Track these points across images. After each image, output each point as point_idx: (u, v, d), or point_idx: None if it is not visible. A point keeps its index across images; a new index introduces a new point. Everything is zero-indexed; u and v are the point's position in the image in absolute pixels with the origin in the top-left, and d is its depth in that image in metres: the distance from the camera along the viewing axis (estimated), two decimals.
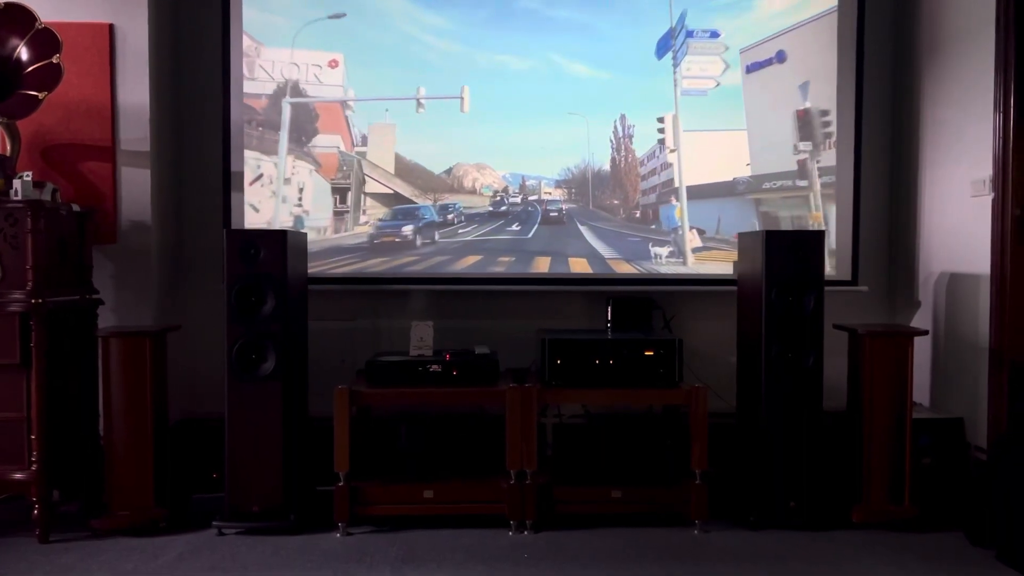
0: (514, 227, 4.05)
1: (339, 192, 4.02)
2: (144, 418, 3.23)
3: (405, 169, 4.00)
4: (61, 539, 3.17)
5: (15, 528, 3.25)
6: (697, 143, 4.06)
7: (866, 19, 3.99)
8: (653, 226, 4.07)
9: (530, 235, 4.05)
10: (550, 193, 4.08)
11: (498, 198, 4.05)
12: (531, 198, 4.07)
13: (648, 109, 4.03)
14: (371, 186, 4.02)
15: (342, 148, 4.02)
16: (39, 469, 3.09)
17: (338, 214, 4.02)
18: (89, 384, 3.46)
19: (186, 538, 3.19)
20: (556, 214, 4.07)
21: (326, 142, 4.01)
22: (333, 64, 3.97)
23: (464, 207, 4.05)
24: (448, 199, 4.05)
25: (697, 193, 4.09)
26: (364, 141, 4.00)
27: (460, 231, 4.06)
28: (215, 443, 3.35)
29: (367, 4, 3.95)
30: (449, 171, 4.02)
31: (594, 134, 4.04)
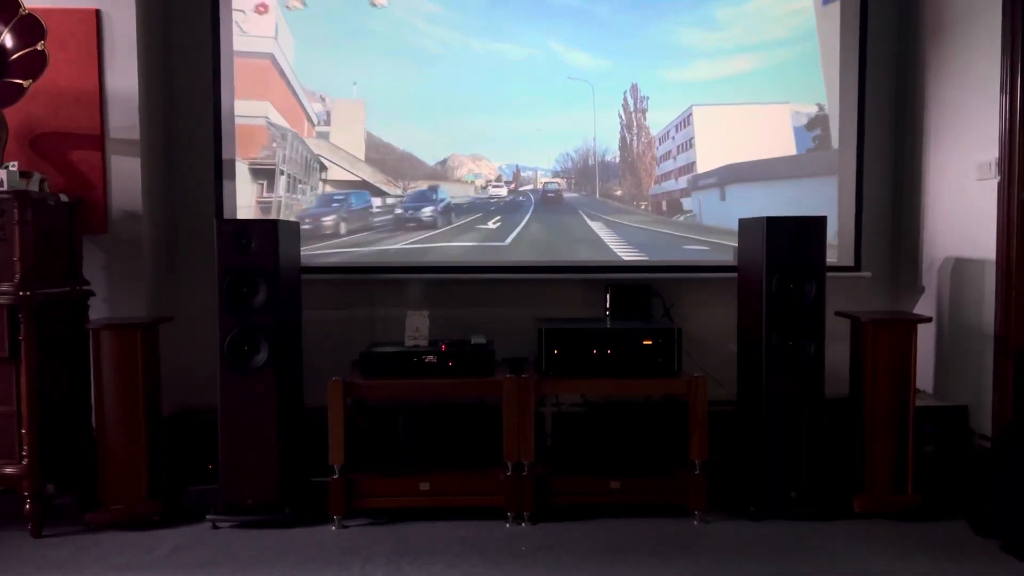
0: (491, 224, 3.75)
1: (267, 176, 3.63)
2: (137, 411, 3.20)
3: (397, 158, 3.86)
4: (55, 533, 3.14)
5: (8, 522, 3.23)
6: (731, 118, 3.75)
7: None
8: (682, 218, 3.80)
9: (508, 240, 3.74)
10: (545, 183, 3.93)
11: (425, 187, 3.65)
12: (526, 188, 3.88)
13: (652, 96, 3.89)
14: (334, 172, 3.70)
15: (273, 120, 3.62)
16: (30, 463, 3.06)
17: (264, 204, 3.64)
18: (82, 376, 3.42)
19: (180, 532, 3.16)
20: (553, 194, 3.85)
21: (244, 110, 3.59)
22: (261, 9, 3.50)
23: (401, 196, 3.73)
24: (418, 187, 3.76)
25: (761, 172, 3.74)
26: (327, 119, 3.73)
27: (410, 225, 3.74)
28: (210, 434, 3.32)
29: None
30: (444, 161, 3.93)
31: (598, 116, 3.88)
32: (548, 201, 3.91)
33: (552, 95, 3.90)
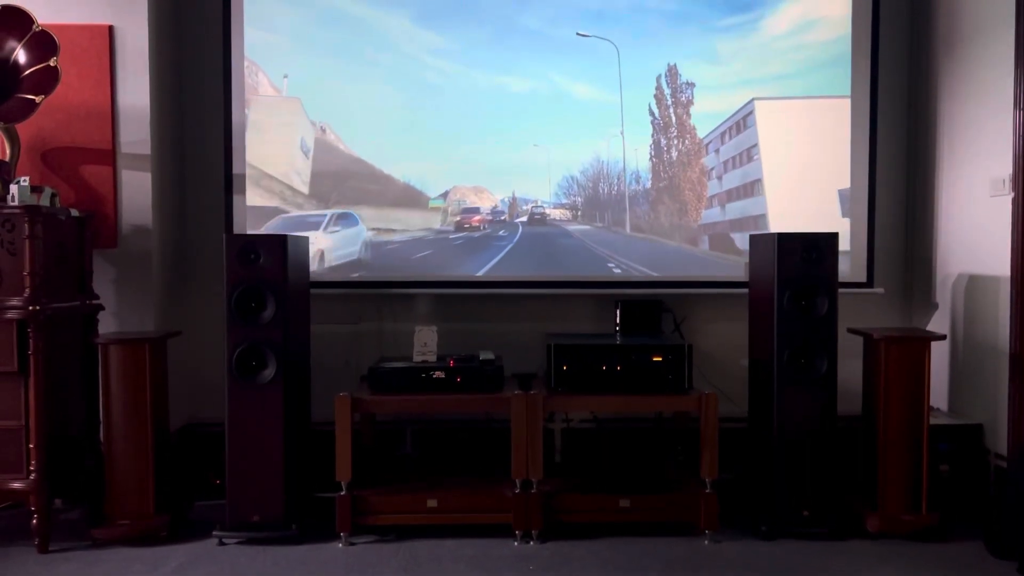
0: None
1: None
2: (144, 425, 3.19)
3: (398, 190, 3.76)
4: (61, 548, 3.13)
5: (15, 537, 3.22)
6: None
7: (881, 14, 3.89)
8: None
9: None
10: (547, 214, 3.70)
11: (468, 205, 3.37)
12: (519, 219, 3.65)
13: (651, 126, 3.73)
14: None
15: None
16: (38, 478, 3.05)
17: None
18: (90, 391, 3.42)
19: (186, 548, 3.14)
20: (540, 216, 3.60)
21: None
22: None
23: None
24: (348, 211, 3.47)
25: None
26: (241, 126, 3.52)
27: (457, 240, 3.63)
28: (218, 449, 3.30)
29: (365, 22, 3.83)
30: (445, 194, 3.86)
31: (606, 140, 3.73)
32: (534, 222, 3.72)
33: (557, 126, 3.82)
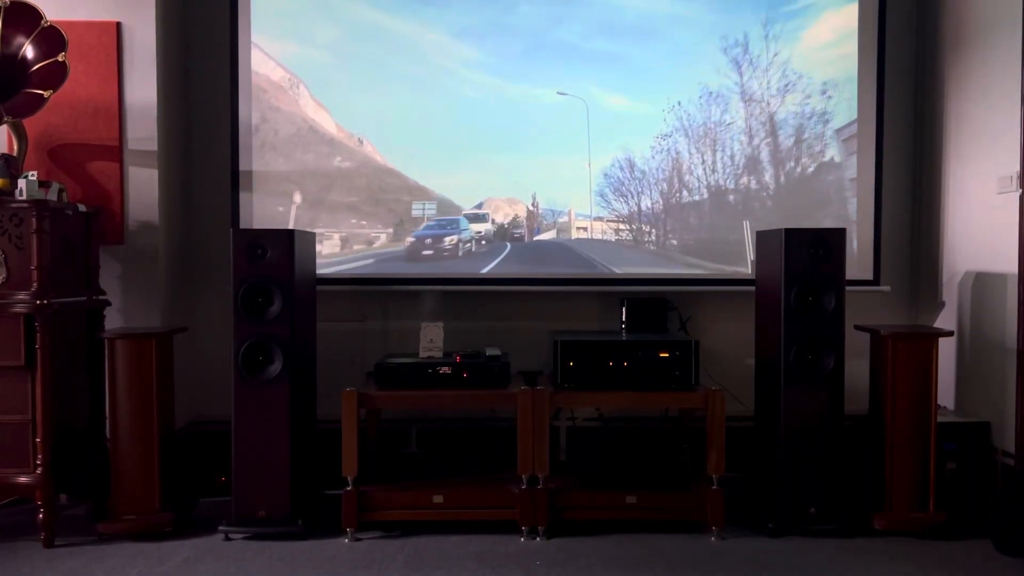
0: None
1: None
2: (150, 421, 3.19)
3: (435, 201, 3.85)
4: (66, 543, 3.13)
5: (20, 532, 3.23)
6: None
7: (888, 12, 3.89)
8: None
9: None
10: (585, 229, 3.80)
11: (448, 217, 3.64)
12: (537, 235, 3.81)
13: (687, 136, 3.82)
14: None
15: None
16: (44, 472, 3.06)
17: None
18: (96, 386, 3.43)
19: (192, 543, 3.14)
20: (519, 236, 3.77)
21: None
22: None
23: None
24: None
25: None
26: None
27: (424, 253, 3.79)
28: (223, 446, 3.30)
29: (401, 36, 3.84)
30: (480, 205, 3.90)
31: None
32: (513, 240, 3.87)
33: (589, 139, 3.85)
